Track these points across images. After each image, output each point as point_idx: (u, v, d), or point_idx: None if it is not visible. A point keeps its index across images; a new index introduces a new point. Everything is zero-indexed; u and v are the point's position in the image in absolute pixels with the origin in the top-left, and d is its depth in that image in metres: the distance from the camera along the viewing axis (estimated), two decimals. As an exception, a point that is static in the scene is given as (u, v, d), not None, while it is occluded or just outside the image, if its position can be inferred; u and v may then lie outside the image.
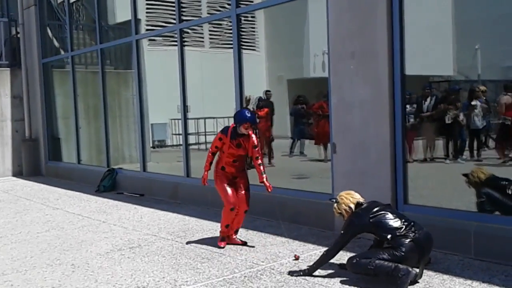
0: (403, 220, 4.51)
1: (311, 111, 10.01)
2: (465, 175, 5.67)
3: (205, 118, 11.49)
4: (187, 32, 9.05)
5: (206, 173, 5.79)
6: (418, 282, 4.34)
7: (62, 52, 12.89)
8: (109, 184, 10.20)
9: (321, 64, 7.64)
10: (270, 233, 6.27)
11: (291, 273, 4.80)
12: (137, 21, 9.84)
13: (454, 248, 5.13)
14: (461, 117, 6.78)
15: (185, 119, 8.85)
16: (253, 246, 5.76)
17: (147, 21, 10.87)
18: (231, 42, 7.72)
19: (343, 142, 6.11)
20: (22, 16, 13.31)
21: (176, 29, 8.76)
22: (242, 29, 7.97)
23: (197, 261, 5.27)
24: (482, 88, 6.65)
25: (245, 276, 4.75)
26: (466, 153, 6.68)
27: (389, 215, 4.52)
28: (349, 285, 4.41)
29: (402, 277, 4.13)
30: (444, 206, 5.56)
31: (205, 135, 11.51)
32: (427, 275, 4.57)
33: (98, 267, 5.22)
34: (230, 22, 7.70)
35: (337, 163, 6.22)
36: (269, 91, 10.50)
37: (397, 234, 4.38)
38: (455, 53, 6.62)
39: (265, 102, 10.51)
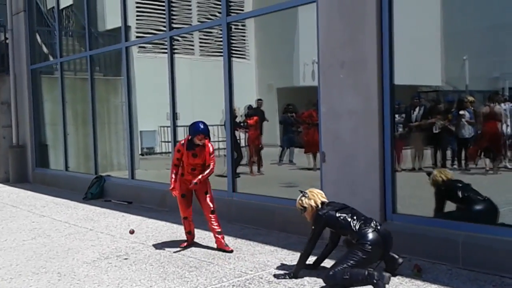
0: (364, 216, 4.81)
1: (301, 120, 10.04)
2: (429, 174, 5.87)
3: (194, 126, 11.44)
4: (177, 40, 9.05)
5: (173, 182, 5.98)
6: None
7: (51, 58, 12.83)
8: (97, 192, 10.12)
9: (311, 73, 7.69)
10: (259, 242, 6.24)
11: (276, 276, 4.90)
12: (127, 28, 9.81)
13: (442, 257, 5.14)
14: (449, 127, 6.83)
15: (174, 126, 8.82)
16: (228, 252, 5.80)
17: (137, 28, 10.87)
18: (221, 50, 7.73)
19: (332, 151, 6.12)
20: (11, 21, 13.23)
21: (166, 36, 8.75)
22: (232, 37, 7.98)
23: (185, 270, 5.23)
24: (470, 98, 6.72)
25: (233, 285, 4.72)
26: (454, 162, 6.72)
27: (352, 211, 4.85)
28: (338, 294, 4.40)
29: (378, 282, 4.27)
30: (432, 216, 5.58)
31: (195, 143, 11.46)
32: (415, 284, 4.57)
33: (85, 276, 5.16)
34: (221, 30, 7.71)
35: (326, 172, 6.23)
36: (260, 99, 10.53)
37: (361, 225, 4.66)
38: (444, 64, 6.68)
39: (255, 111, 10.53)
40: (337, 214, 4.77)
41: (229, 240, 6.27)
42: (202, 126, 5.82)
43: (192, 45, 12.09)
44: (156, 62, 9.99)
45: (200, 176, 5.86)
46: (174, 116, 8.81)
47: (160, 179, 9.27)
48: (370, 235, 4.57)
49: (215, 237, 5.97)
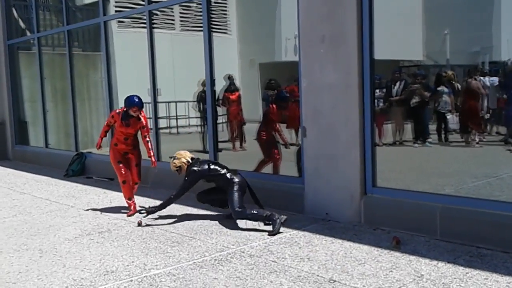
0: (228, 168, 6.00)
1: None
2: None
3: (176, 102, 11.37)
4: (156, 14, 8.91)
5: (100, 139, 6.79)
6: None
7: (28, 34, 12.56)
8: (78, 169, 10.06)
9: (293, 48, 7.63)
10: (241, 217, 6.28)
11: (139, 211, 6.33)
12: (105, 2, 9.63)
13: (420, 229, 5.24)
14: (429, 101, 6.88)
15: (155, 102, 8.75)
16: (143, 212, 6.32)
17: (116, 2, 10.65)
18: (202, 25, 7.63)
19: (313, 125, 6.14)
20: (-15, -4, 12.89)
21: (145, 10, 8.61)
22: (213, 12, 7.88)
23: (167, 245, 5.26)
24: (450, 73, 6.75)
25: (215, 259, 4.76)
26: (434, 137, 6.79)
27: (220, 165, 6.05)
28: (318, 266, 4.46)
29: (276, 221, 5.51)
30: (411, 189, 5.66)
31: (176, 119, 11.41)
32: (394, 256, 4.66)
33: (66, 252, 5.16)
34: (200, 4, 7.61)
35: (307, 147, 6.25)
36: (230, 76, 10.39)
37: (230, 174, 5.90)
38: (425, 38, 6.69)
39: (235, 86, 10.43)
40: (211, 168, 5.91)
41: (211, 216, 6.32)
42: (136, 100, 6.48)
43: (173, 20, 11.92)
44: (136, 37, 9.83)
45: (152, 154, 6.68)
46: (155, 92, 8.72)
47: (142, 155, 9.18)
48: (236, 179, 5.86)
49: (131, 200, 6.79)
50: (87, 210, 7.04)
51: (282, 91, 8.41)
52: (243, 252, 4.94)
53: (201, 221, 6.17)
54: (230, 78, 9.90)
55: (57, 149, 11.58)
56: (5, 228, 6.22)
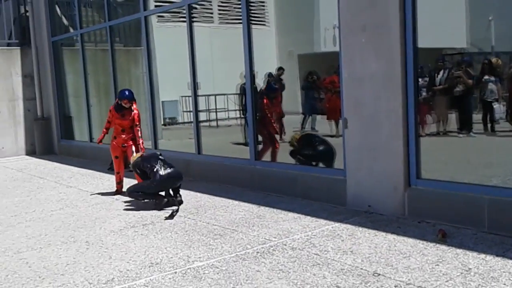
0: (162, 163, 6.66)
1: (322, 86, 9.91)
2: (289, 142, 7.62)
3: (215, 95, 11.44)
4: (195, 8, 8.96)
5: (102, 135, 7.73)
6: (177, 205, 6.47)
7: (71, 30, 12.85)
8: (121, 162, 10.22)
9: (332, 38, 7.54)
10: (282, 209, 6.27)
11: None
12: (145, -3, 9.74)
13: (467, 222, 5.11)
14: (474, 89, 6.68)
15: (195, 96, 8.81)
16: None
17: (156, -4, 10.77)
18: (241, 18, 7.63)
19: (355, 117, 6.05)
20: (30, -6, 13.25)
21: (184, 4, 8.67)
22: (251, 4, 7.86)
23: (209, 238, 5.30)
24: (500, 62, 6.54)
25: (258, 252, 4.77)
26: (480, 126, 6.60)
27: (153, 161, 6.68)
28: (362, 259, 4.41)
29: (157, 203, 6.60)
30: (457, 180, 5.51)
31: (216, 112, 11.48)
32: (440, 249, 4.56)
33: (112, 244, 5.27)
34: (239, -4, 7.59)
35: (348, 138, 6.18)
36: (281, 68, 10.38)
37: (156, 167, 6.58)
38: (468, 25, 6.49)
39: (275, 79, 10.40)
40: (145, 160, 6.72)
41: (252, 208, 6.33)
42: (127, 93, 7.35)
43: (211, 13, 11.97)
44: (176, 31, 9.91)
45: (141, 141, 7.42)
46: (195, 85, 8.79)
47: (183, 148, 9.33)
48: (161, 173, 6.52)
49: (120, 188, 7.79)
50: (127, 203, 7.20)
51: (271, 83, 8.89)
52: (285, 245, 4.94)
53: (242, 213, 6.19)
54: (279, 70, 9.89)
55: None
56: (52, 221, 6.40)
